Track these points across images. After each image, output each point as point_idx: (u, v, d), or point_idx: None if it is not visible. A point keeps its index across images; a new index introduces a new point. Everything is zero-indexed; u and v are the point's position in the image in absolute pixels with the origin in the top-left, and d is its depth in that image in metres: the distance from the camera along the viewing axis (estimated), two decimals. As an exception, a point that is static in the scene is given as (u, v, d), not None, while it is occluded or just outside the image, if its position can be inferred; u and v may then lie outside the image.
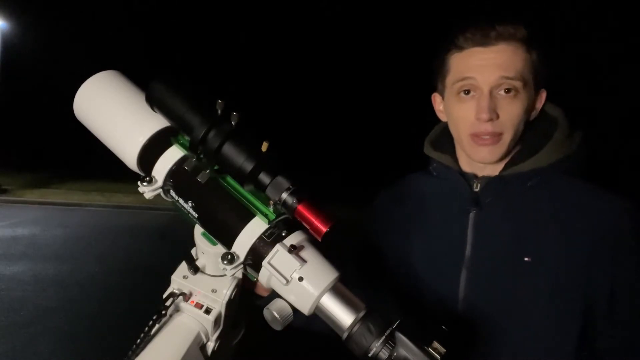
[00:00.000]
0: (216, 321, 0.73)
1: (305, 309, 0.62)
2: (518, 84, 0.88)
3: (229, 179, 0.70)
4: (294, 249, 0.62)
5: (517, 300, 0.88)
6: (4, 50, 15.65)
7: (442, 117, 1.05)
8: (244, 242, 0.65)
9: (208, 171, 0.67)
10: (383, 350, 0.57)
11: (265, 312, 0.67)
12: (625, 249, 0.85)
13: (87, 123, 0.80)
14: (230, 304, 0.74)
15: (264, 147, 0.64)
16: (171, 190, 0.72)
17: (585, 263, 0.85)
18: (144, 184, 0.72)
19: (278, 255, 0.63)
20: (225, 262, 0.65)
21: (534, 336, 0.86)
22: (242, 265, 0.68)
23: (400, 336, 0.57)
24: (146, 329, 0.70)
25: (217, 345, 0.75)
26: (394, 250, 1.03)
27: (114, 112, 0.77)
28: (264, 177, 0.64)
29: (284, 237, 0.64)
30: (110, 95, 0.78)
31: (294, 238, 0.64)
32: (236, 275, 0.72)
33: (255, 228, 0.65)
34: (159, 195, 0.74)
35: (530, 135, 0.96)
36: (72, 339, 3.82)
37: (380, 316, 0.60)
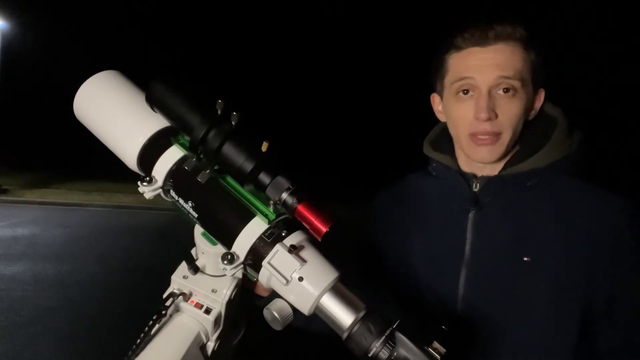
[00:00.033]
0: (216, 321, 0.73)
1: (305, 309, 0.62)
2: (516, 83, 0.89)
3: (229, 179, 0.70)
4: (294, 249, 0.62)
5: (516, 300, 0.88)
6: (4, 50, 15.65)
7: (441, 117, 1.05)
8: (244, 242, 0.65)
9: (208, 171, 0.67)
10: (383, 350, 0.57)
11: (265, 312, 0.67)
12: (625, 248, 0.85)
13: (87, 123, 0.80)
14: (230, 304, 0.74)
15: (264, 147, 0.64)
16: (171, 190, 0.72)
17: (585, 263, 0.85)
18: (144, 184, 0.71)
19: (278, 255, 0.63)
20: (225, 262, 0.65)
21: (534, 336, 0.86)
22: (242, 265, 0.68)
23: (400, 336, 0.57)
24: (146, 329, 0.70)
25: (217, 345, 0.75)
26: (394, 250, 1.03)
27: (114, 112, 0.77)
28: (264, 177, 0.64)
29: (284, 237, 0.64)
30: (110, 95, 0.78)
31: (294, 238, 0.64)
32: (236, 275, 0.72)
33: (255, 228, 0.65)
34: (159, 195, 0.74)
35: (529, 135, 0.96)
36: (72, 339, 3.82)
37: (380, 316, 0.60)
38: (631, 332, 0.85)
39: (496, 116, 0.89)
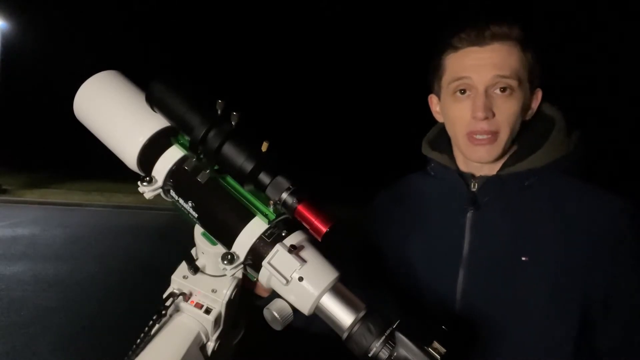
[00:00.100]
0: (216, 321, 0.73)
1: (305, 309, 0.62)
2: (513, 82, 0.89)
3: (229, 179, 0.70)
4: (294, 249, 0.62)
5: (515, 300, 0.88)
6: (4, 50, 15.65)
7: (439, 118, 1.05)
8: (244, 242, 0.65)
9: (208, 171, 0.67)
10: (383, 350, 0.57)
11: (265, 312, 0.67)
12: (625, 249, 0.85)
13: (87, 123, 0.80)
14: (230, 304, 0.74)
15: (264, 147, 0.65)
16: (171, 190, 0.72)
17: (584, 263, 0.85)
18: (144, 184, 0.71)
19: (278, 255, 0.63)
20: (225, 262, 0.65)
21: (533, 336, 0.86)
22: (242, 265, 0.68)
23: (400, 336, 0.57)
24: (146, 329, 0.70)
25: (217, 345, 0.75)
26: (394, 250, 1.03)
27: (114, 112, 0.77)
28: (264, 177, 0.64)
29: (284, 237, 0.64)
30: (110, 95, 0.78)
31: (294, 238, 0.64)
32: (236, 275, 0.72)
33: (255, 228, 0.65)
34: (159, 195, 0.74)
35: (527, 135, 0.96)
36: (72, 339, 3.82)
37: (380, 316, 0.60)
38: (631, 331, 0.85)
39: (493, 115, 0.89)
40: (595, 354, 0.87)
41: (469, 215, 0.95)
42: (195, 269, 0.74)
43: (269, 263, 0.62)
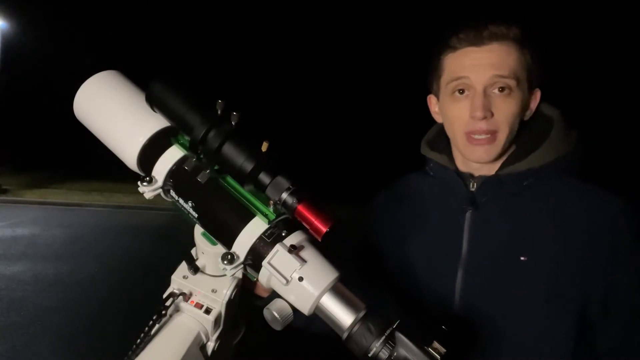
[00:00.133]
0: (216, 321, 0.73)
1: (305, 309, 0.62)
2: (512, 82, 0.89)
3: (229, 179, 0.70)
4: (294, 249, 0.62)
5: (514, 300, 0.88)
6: (4, 50, 15.64)
7: (438, 118, 1.05)
8: (244, 242, 0.65)
9: (208, 171, 0.68)
10: (383, 350, 0.57)
11: (265, 312, 0.67)
12: (624, 248, 0.85)
13: (87, 123, 0.80)
14: (230, 304, 0.74)
15: (264, 147, 0.65)
16: (171, 190, 0.72)
17: (584, 263, 0.85)
18: (144, 184, 0.72)
19: (278, 255, 0.63)
20: (225, 262, 0.65)
21: (533, 335, 0.86)
22: (242, 265, 0.68)
23: (400, 336, 0.57)
24: (146, 329, 0.70)
25: (217, 345, 0.75)
26: (394, 250, 1.03)
27: (114, 112, 0.77)
28: (264, 177, 0.64)
29: (284, 237, 0.64)
30: (110, 95, 0.78)
31: (294, 238, 0.64)
32: (236, 275, 0.72)
33: (255, 228, 0.65)
34: (159, 195, 0.74)
35: (525, 135, 0.97)
36: (72, 339, 3.82)
37: (380, 316, 0.60)
38: (631, 331, 0.85)
39: (492, 115, 0.90)
40: (595, 354, 0.87)
41: (467, 215, 0.95)
42: (195, 269, 0.74)
43: (269, 263, 0.62)
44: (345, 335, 0.60)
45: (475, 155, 0.94)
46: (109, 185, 13.82)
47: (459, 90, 0.93)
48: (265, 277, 0.64)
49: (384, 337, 0.57)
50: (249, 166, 0.63)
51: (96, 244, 7.36)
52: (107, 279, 5.52)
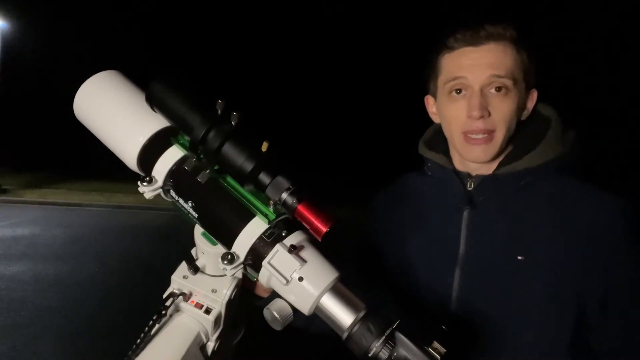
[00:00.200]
0: (216, 321, 0.73)
1: (305, 309, 0.62)
2: (508, 82, 0.89)
3: (229, 179, 0.70)
4: (294, 249, 0.62)
5: (511, 299, 0.88)
6: (4, 50, 15.64)
7: (435, 119, 1.06)
8: (244, 242, 0.65)
9: (208, 171, 0.68)
10: (383, 350, 0.57)
11: (265, 312, 0.67)
12: (622, 248, 0.85)
13: (87, 123, 0.80)
14: (230, 304, 0.74)
15: (264, 147, 0.65)
16: (171, 190, 0.72)
17: (582, 263, 0.85)
18: (144, 184, 0.72)
19: (278, 255, 0.63)
20: (225, 262, 0.65)
21: (531, 335, 0.86)
22: (242, 265, 0.68)
23: (400, 336, 0.57)
24: (146, 329, 0.70)
25: (217, 345, 0.75)
26: (394, 249, 1.03)
27: (114, 112, 0.77)
28: (264, 177, 0.64)
29: (284, 237, 0.64)
30: (110, 95, 0.78)
31: (294, 238, 0.64)
32: (236, 275, 0.72)
33: (255, 228, 0.65)
34: (159, 195, 0.74)
35: (523, 135, 0.97)
36: (72, 339, 3.82)
37: (380, 316, 0.60)
38: (630, 332, 0.85)
39: (489, 114, 0.90)
40: (594, 354, 0.87)
41: (465, 214, 0.95)
42: (195, 269, 0.74)
43: (269, 263, 0.62)
44: (345, 335, 0.60)
45: (473, 154, 0.94)
46: (109, 185, 13.83)
47: (456, 90, 0.93)
48: (265, 277, 0.64)
49: (384, 337, 0.57)
50: (249, 166, 0.63)
51: (96, 244, 7.36)
52: (107, 279, 5.52)
